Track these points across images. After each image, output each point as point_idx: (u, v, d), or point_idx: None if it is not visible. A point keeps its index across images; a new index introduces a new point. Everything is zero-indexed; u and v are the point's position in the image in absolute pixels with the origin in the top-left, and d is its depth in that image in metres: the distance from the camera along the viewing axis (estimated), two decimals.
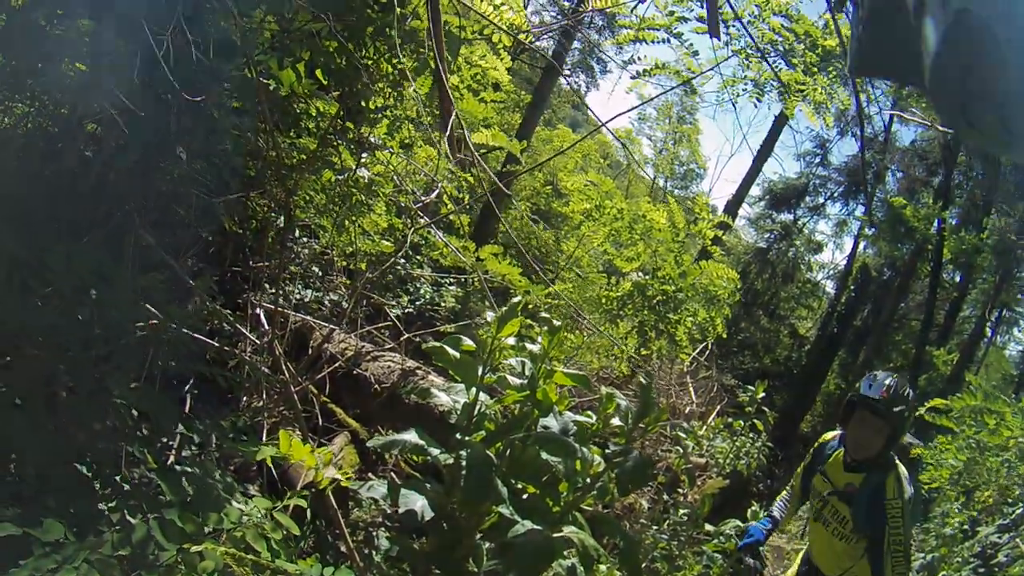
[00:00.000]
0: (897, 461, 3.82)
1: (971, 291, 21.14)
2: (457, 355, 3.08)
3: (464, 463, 2.81)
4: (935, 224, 18.20)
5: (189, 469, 3.27)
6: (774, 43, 5.64)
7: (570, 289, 9.28)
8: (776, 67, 5.82)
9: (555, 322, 3.33)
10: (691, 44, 5.76)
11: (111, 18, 4.16)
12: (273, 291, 5.74)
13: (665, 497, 6.89)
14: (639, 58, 5.96)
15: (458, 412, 3.16)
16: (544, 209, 13.89)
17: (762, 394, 8.15)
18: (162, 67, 3.99)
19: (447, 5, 4.51)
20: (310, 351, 5.54)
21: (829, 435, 4.17)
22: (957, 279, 20.97)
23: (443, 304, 8.42)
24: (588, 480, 3.11)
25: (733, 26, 5.60)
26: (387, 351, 5.67)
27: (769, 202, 24.11)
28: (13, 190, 3.95)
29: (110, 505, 2.78)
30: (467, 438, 3.04)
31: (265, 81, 4.36)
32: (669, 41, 5.70)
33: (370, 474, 5.46)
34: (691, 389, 10.28)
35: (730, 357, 19.45)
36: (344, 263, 6.92)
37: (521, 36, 5.10)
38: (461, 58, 4.59)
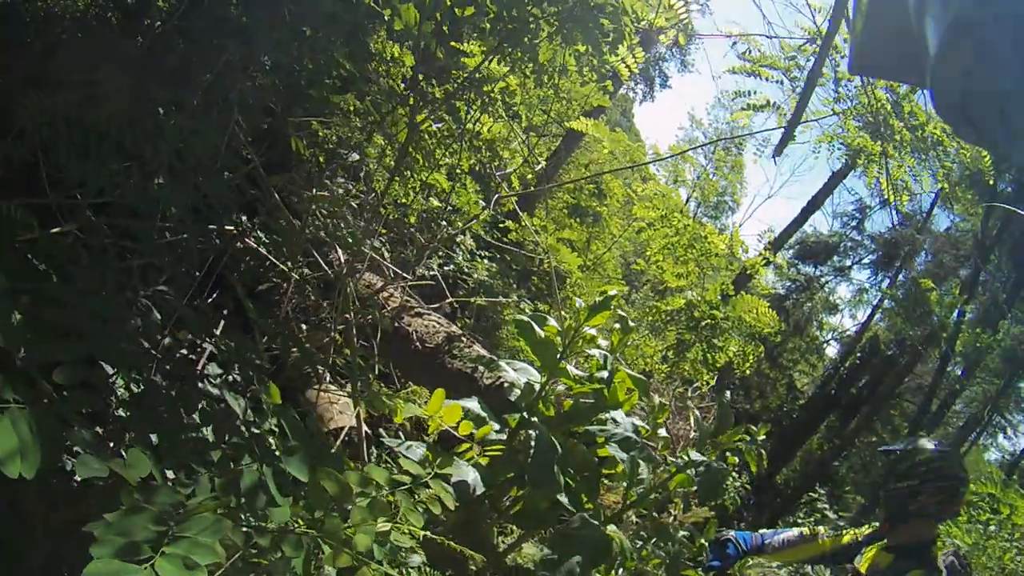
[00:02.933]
0: (941, 564, 3.19)
1: (969, 387, 21.16)
2: (542, 334, 3.06)
3: (533, 444, 2.80)
4: (955, 314, 18.20)
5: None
6: (876, 112, 5.62)
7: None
8: (874, 137, 5.83)
9: (629, 322, 3.31)
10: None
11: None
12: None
13: (655, 515, 6.90)
14: (749, 92, 5.99)
15: (520, 390, 3.14)
16: (583, 206, 13.81)
17: (763, 436, 8.15)
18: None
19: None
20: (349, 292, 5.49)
21: None
22: (959, 372, 20.97)
23: (473, 275, 8.35)
24: (653, 484, 3.11)
25: (844, 86, 5.61)
26: (432, 310, 5.64)
27: (798, 252, 24.10)
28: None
29: (201, 434, 2.34)
30: (533, 419, 3.02)
31: None
32: (782, 83, 5.70)
33: (381, 430, 5.41)
34: (692, 416, 10.22)
35: (721, 392, 19.47)
36: (393, 214, 6.87)
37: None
38: None
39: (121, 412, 2.39)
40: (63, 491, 2.38)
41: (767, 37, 5.71)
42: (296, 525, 1.91)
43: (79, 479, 1.84)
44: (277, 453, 2.04)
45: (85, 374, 2.07)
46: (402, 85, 4.81)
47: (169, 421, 2.24)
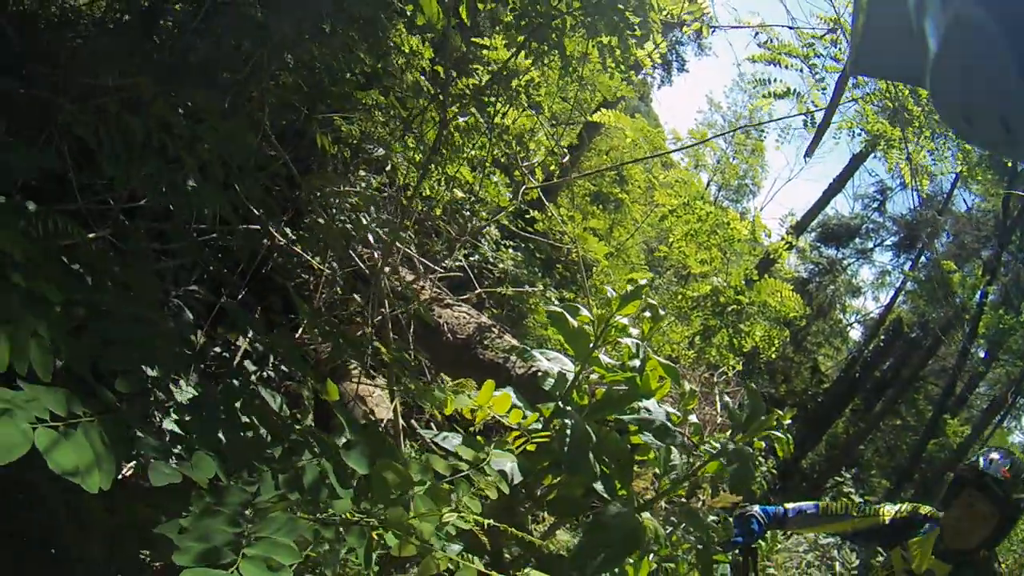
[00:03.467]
0: (1001, 571, 3.23)
1: (993, 369, 21.02)
2: (575, 324, 3.10)
3: (569, 433, 2.84)
4: (977, 295, 18.05)
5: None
6: (893, 97, 5.64)
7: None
8: (892, 122, 5.85)
9: (660, 310, 3.34)
10: (822, 79, 5.74)
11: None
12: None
13: (683, 500, 6.92)
14: (769, 79, 6.02)
15: (554, 380, 3.17)
16: (605, 193, 13.80)
17: (789, 420, 8.15)
18: None
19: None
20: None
21: (927, 509, 3.49)
22: (982, 354, 20.81)
23: (498, 265, 8.33)
24: (688, 471, 3.13)
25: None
26: (462, 301, 5.68)
27: (819, 235, 24.02)
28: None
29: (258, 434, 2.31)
30: (567, 408, 3.06)
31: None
32: (801, 71, 5.72)
33: (413, 422, 5.46)
34: (718, 401, 10.16)
35: (747, 377, 19.36)
36: (419, 208, 6.89)
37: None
38: None
39: (175, 416, 2.42)
40: (119, 492, 2.43)
41: (788, 28, 5.74)
42: (358, 517, 1.94)
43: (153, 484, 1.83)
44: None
45: (144, 381, 2.11)
46: (427, 82, 4.84)
47: (228, 421, 2.23)
